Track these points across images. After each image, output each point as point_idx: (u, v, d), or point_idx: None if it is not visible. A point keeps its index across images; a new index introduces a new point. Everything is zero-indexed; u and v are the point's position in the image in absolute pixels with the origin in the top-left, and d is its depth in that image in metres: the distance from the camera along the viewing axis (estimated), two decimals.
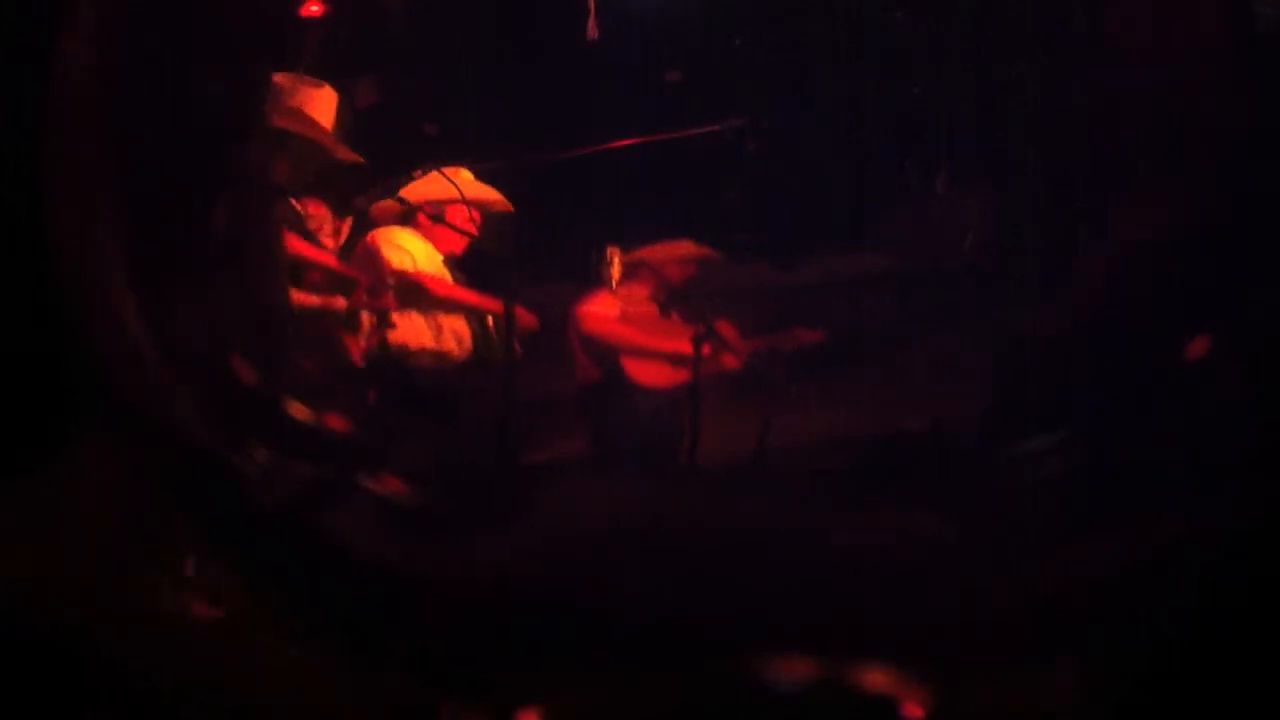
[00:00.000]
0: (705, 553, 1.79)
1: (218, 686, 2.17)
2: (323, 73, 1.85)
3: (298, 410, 1.85)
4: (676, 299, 1.78)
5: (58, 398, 2.19)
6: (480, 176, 1.81)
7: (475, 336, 1.83)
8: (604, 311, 1.80)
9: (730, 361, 1.78)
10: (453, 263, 1.84)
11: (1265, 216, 1.81)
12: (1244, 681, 2.07)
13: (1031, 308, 1.79)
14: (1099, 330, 1.79)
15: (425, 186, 1.83)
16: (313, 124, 1.83)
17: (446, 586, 1.87)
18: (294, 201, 1.86)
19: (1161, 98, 1.79)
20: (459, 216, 1.84)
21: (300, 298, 1.85)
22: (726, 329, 1.78)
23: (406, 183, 1.82)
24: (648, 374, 1.82)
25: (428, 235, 1.84)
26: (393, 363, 1.83)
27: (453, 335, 1.82)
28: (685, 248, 1.77)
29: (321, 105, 1.84)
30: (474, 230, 1.84)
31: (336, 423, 1.87)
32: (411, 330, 1.82)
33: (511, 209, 1.80)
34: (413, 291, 1.83)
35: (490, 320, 1.82)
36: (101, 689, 2.16)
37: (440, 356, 1.82)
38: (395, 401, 1.88)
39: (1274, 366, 1.85)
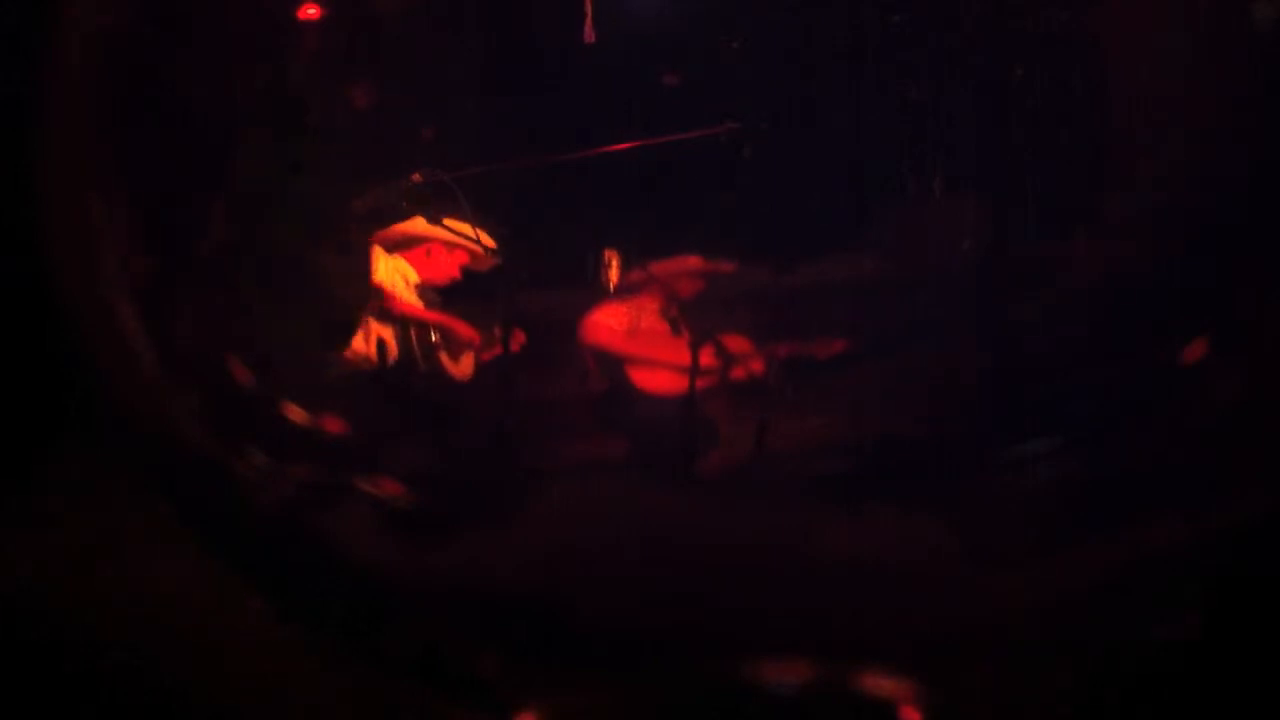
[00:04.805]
0: (705, 555, 1.79)
1: (218, 686, 2.18)
2: (320, 75, 1.85)
3: (295, 413, 1.85)
4: (686, 312, 1.77)
5: (57, 399, 2.19)
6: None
7: (400, 344, 1.85)
8: (612, 321, 1.80)
9: (738, 372, 1.77)
10: (429, 290, 1.86)
11: (1264, 216, 1.81)
12: (1244, 681, 2.08)
13: (1031, 309, 1.79)
14: (1098, 331, 1.79)
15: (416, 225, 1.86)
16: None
17: (446, 589, 1.87)
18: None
19: (1159, 98, 1.79)
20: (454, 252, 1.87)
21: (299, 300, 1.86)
22: (735, 341, 1.78)
23: (404, 187, 1.82)
24: (654, 382, 1.81)
25: (415, 263, 1.86)
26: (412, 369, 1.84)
27: (377, 340, 1.85)
28: (694, 263, 1.76)
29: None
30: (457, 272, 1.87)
31: (334, 426, 1.88)
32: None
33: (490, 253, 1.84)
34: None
35: (413, 331, 1.84)
36: (101, 689, 2.17)
37: (368, 360, 1.84)
38: (394, 404, 1.88)
39: (1274, 366, 1.85)
